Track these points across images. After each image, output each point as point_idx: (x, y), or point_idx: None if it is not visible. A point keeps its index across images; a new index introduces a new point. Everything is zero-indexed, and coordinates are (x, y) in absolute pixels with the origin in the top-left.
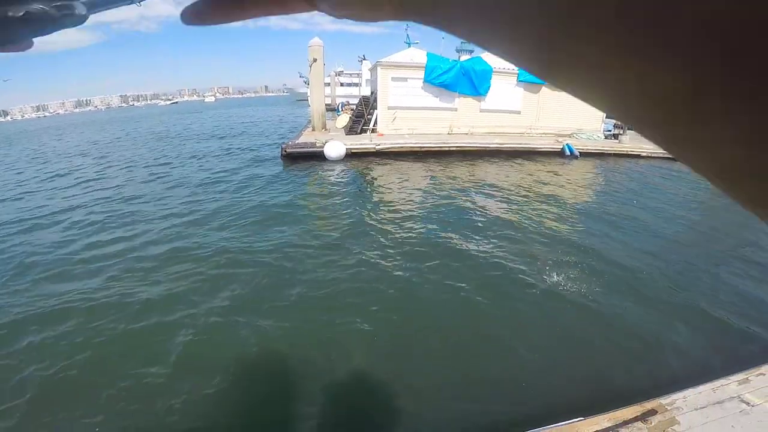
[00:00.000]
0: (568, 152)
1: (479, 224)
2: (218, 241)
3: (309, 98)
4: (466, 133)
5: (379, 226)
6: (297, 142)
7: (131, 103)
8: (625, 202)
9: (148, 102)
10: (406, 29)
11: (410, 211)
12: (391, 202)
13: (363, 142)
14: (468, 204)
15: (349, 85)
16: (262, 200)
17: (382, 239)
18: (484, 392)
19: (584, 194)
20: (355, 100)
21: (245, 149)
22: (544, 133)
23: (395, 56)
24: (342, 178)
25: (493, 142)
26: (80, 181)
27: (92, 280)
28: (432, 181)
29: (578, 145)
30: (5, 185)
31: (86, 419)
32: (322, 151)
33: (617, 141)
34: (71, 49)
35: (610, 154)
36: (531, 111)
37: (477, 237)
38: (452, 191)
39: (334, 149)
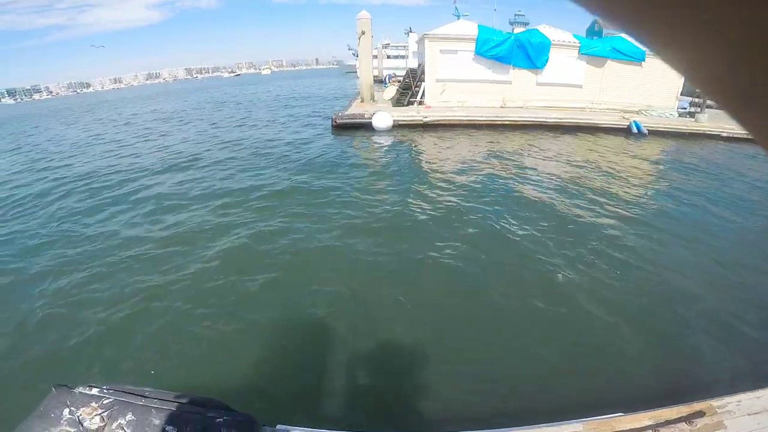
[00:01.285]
0: (635, 130)
1: (528, 200)
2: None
3: (357, 70)
4: (521, 107)
5: (423, 193)
6: (346, 113)
7: (195, 76)
8: (698, 190)
9: (210, 75)
10: (454, 1)
11: (456, 181)
12: (437, 171)
13: (410, 114)
14: (518, 178)
15: (395, 57)
16: (312, 164)
17: (424, 206)
18: (522, 375)
19: (650, 176)
20: (402, 73)
21: (301, 117)
22: (608, 109)
23: (443, 28)
24: (389, 147)
25: (551, 116)
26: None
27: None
28: (481, 154)
29: (648, 123)
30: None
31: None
32: (371, 122)
33: (693, 120)
34: (142, 26)
35: (684, 134)
36: (594, 85)
37: (523, 214)
38: (502, 164)
39: (382, 120)
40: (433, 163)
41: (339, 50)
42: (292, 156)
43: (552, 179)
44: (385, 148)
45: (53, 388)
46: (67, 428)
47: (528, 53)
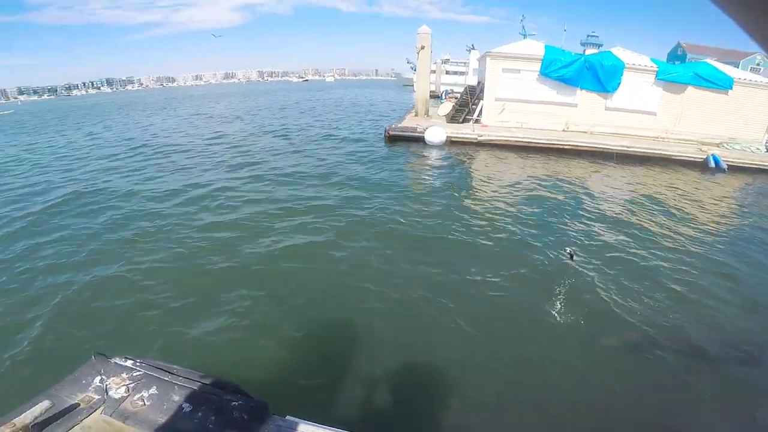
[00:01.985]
0: (712, 164)
1: (583, 232)
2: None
3: (414, 84)
4: (585, 132)
5: (469, 213)
6: (399, 125)
7: (266, 79)
8: None
9: (279, 78)
10: (521, 20)
11: (505, 204)
12: (487, 192)
13: (464, 131)
14: (574, 207)
15: (455, 73)
16: (365, 171)
17: (469, 225)
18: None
19: (727, 218)
20: (460, 89)
21: (357, 125)
22: (683, 140)
23: (507, 47)
24: (440, 162)
25: (618, 144)
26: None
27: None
28: (537, 178)
29: (729, 157)
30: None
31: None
32: (423, 136)
33: None
34: (224, 28)
35: None
36: (670, 113)
37: (579, 250)
38: (559, 191)
39: (435, 135)
40: (484, 182)
41: (398, 63)
42: (345, 163)
43: (613, 211)
44: (436, 163)
45: (93, 356)
46: (93, 395)
47: (598, 76)
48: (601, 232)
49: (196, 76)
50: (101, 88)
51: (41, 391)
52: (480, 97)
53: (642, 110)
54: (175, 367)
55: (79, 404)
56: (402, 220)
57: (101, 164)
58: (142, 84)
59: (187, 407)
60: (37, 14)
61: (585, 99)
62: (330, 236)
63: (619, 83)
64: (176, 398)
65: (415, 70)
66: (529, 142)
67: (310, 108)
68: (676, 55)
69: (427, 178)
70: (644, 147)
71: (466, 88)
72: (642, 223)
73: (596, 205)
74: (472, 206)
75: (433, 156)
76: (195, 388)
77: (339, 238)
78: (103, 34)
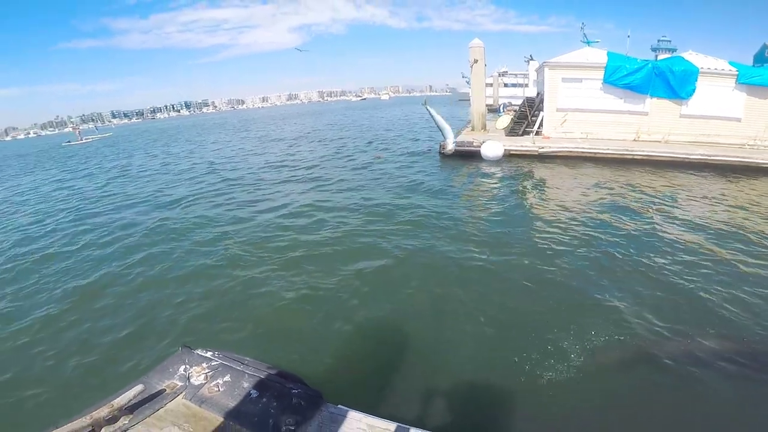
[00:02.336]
0: None
1: (661, 252)
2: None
3: (470, 98)
4: (659, 141)
5: (533, 229)
6: (455, 140)
7: (326, 99)
8: None
9: (338, 98)
10: (581, 27)
11: (571, 220)
12: (551, 206)
13: (524, 144)
14: (648, 223)
15: (513, 85)
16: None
17: (531, 244)
18: None
19: None
20: (519, 101)
21: (412, 142)
22: None
23: (566, 56)
24: (498, 177)
25: (696, 153)
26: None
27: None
28: (606, 191)
29: None
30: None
31: None
32: (479, 150)
33: None
34: (284, 49)
35: None
36: (758, 119)
37: (655, 268)
38: (631, 205)
39: (492, 149)
40: (547, 197)
41: (452, 78)
42: (399, 179)
43: (693, 228)
44: (494, 178)
45: (180, 348)
46: (177, 382)
47: (669, 82)
48: (676, 251)
49: (263, 98)
50: (180, 111)
51: (137, 378)
52: (540, 109)
53: (724, 116)
54: (246, 358)
55: (165, 390)
56: (451, 244)
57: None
58: (216, 107)
59: (254, 393)
60: (123, 38)
61: (656, 106)
62: (378, 252)
63: (694, 89)
64: (245, 385)
65: (470, 84)
66: (596, 153)
67: (368, 127)
68: (763, 58)
69: (483, 195)
70: (728, 155)
71: (524, 100)
72: (722, 241)
73: (670, 219)
74: (533, 226)
75: (491, 171)
76: (262, 377)
77: (387, 253)
78: (178, 57)
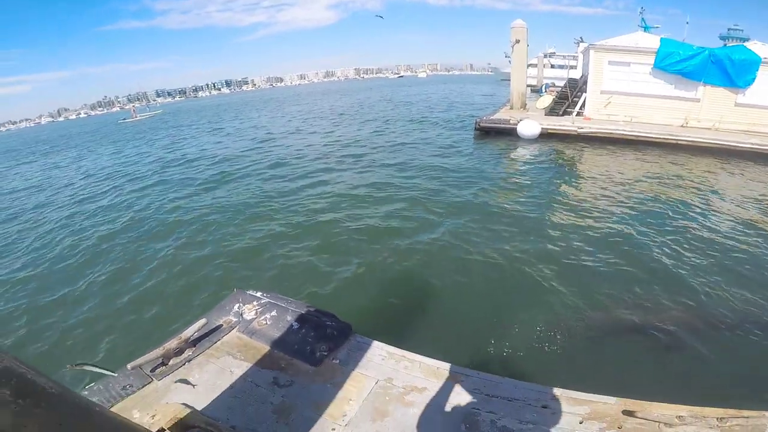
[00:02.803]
0: None
1: (706, 239)
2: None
3: (510, 78)
4: (709, 128)
5: (563, 212)
6: (491, 117)
7: (362, 76)
8: None
9: (375, 75)
10: (640, 12)
11: (607, 203)
12: (585, 188)
13: (563, 123)
14: (693, 209)
15: (561, 67)
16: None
17: (561, 226)
18: None
19: None
20: (563, 83)
21: (448, 118)
22: None
23: (614, 40)
24: (534, 155)
25: (747, 142)
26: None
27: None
28: (646, 176)
29: None
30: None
31: None
32: (515, 128)
33: None
34: (321, 26)
35: None
36: None
37: (690, 264)
38: (675, 191)
39: (528, 127)
40: (584, 178)
41: (494, 57)
42: (433, 153)
43: (743, 217)
44: (529, 156)
45: (235, 290)
46: (232, 318)
47: (726, 70)
48: (725, 241)
49: (301, 75)
50: (221, 89)
51: (202, 315)
52: (582, 90)
53: None
54: (290, 299)
55: (222, 324)
56: (483, 225)
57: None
58: (255, 84)
59: (295, 325)
60: (163, 19)
61: (710, 94)
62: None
63: (754, 78)
64: (288, 319)
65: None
66: (638, 136)
67: (405, 103)
68: None
69: (517, 172)
70: None
71: (567, 80)
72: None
73: (724, 206)
74: (566, 207)
75: (526, 149)
76: (302, 312)
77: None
78: (218, 36)
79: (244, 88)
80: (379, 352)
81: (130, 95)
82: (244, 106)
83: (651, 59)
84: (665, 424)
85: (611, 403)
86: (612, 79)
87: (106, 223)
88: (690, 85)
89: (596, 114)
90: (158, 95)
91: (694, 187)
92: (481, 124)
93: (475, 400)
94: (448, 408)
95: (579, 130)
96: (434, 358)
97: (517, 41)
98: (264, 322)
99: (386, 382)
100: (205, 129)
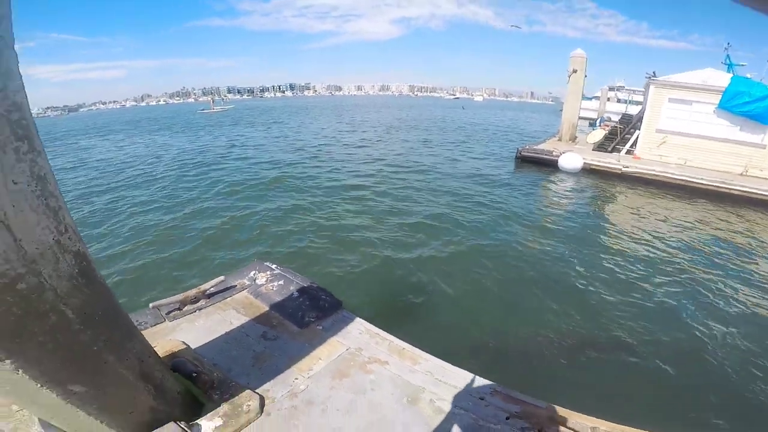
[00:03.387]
0: None
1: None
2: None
3: (563, 108)
4: None
5: (598, 253)
6: (534, 147)
7: (416, 94)
8: None
9: (428, 94)
10: (725, 48)
11: (645, 255)
12: (624, 233)
13: (607, 160)
14: (744, 274)
15: (627, 102)
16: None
17: (597, 275)
18: None
19: None
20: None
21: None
22: None
23: (678, 76)
24: (571, 189)
25: None
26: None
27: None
28: (695, 228)
29: None
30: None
31: None
32: (557, 160)
33: None
34: (383, 40)
35: None
36: None
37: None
38: (722, 250)
39: (570, 161)
40: (623, 220)
41: (557, 86)
42: (469, 175)
43: None
44: (566, 190)
45: (255, 259)
46: (246, 281)
47: None
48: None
49: (358, 86)
50: (285, 92)
51: (224, 274)
52: (636, 127)
53: None
54: (298, 274)
55: (236, 285)
56: (520, 253)
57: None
58: (316, 91)
59: (295, 294)
60: (246, 19)
61: None
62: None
63: None
64: (291, 288)
65: (584, 97)
66: (687, 182)
67: (457, 127)
68: None
69: (553, 205)
70: None
71: (621, 116)
72: None
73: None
74: (599, 250)
75: (564, 182)
76: (305, 285)
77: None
78: (290, 41)
79: (306, 93)
80: (358, 327)
81: (204, 88)
82: (307, 110)
83: (716, 99)
84: None
85: (541, 408)
86: (670, 117)
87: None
88: (758, 128)
89: (647, 153)
90: (229, 91)
91: (748, 244)
92: (523, 153)
93: (424, 380)
94: (399, 381)
95: (624, 169)
96: (404, 341)
97: (575, 71)
98: (270, 288)
99: (355, 350)
100: (280, 126)
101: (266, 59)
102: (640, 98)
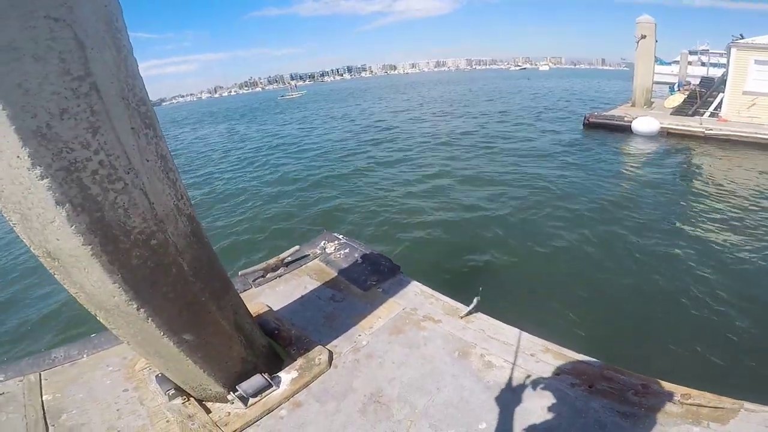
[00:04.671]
0: None
1: None
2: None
3: (634, 73)
4: None
5: (691, 224)
6: (603, 113)
7: (474, 67)
8: None
9: (488, 66)
10: None
11: (739, 219)
12: (714, 198)
13: (688, 123)
14: None
15: (714, 65)
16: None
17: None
18: None
19: None
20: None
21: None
22: None
23: (763, 38)
24: (650, 154)
25: None
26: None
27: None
28: None
29: None
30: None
31: None
32: (629, 125)
33: None
34: (434, 16)
35: None
36: None
37: None
38: None
39: (645, 124)
40: (708, 182)
41: (630, 52)
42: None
43: None
44: (646, 152)
45: (324, 230)
46: (317, 250)
47: None
48: None
49: (412, 64)
50: (343, 75)
51: (299, 244)
52: (719, 90)
53: None
54: (361, 243)
55: (309, 254)
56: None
57: None
58: (372, 71)
59: (359, 261)
60: (299, 6)
61: None
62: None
63: None
64: (356, 256)
65: (658, 61)
66: None
67: (524, 96)
68: None
69: (633, 170)
70: None
71: (701, 79)
72: None
73: None
74: (691, 218)
75: (641, 147)
76: (367, 253)
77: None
78: (343, 24)
79: (363, 74)
80: (414, 289)
81: (269, 77)
82: (370, 91)
83: None
84: (631, 391)
85: (593, 365)
86: (758, 79)
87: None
88: None
89: (735, 116)
90: (292, 78)
91: None
92: (591, 120)
93: (475, 337)
94: (450, 338)
95: (706, 132)
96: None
97: (643, 36)
98: (338, 256)
99: (411, 310)
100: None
101: (323, 44)
102: (724, 61)
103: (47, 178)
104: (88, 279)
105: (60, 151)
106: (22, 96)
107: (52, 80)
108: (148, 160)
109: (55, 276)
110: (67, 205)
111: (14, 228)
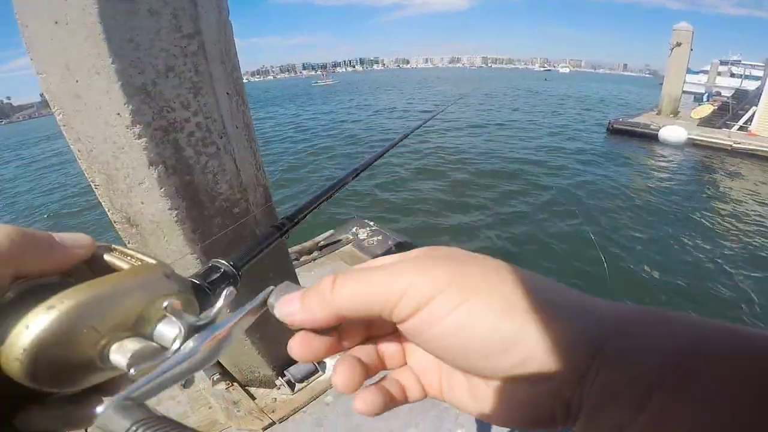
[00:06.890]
0: None
1: None
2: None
3: (664, 81)
4: None
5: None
6: (628, 120)
7: (490, 65)
8: None
9: (504, 66)
10: None
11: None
12: (738, 214)
13: (715, 135)
14: None
15: (745, 77)
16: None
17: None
18: None
19: None
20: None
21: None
22: None
23: None
24: (674, 164)
25: None
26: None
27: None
28: None
29: None
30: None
31: None
32: (655, 133)
33: None
34: (452, 11)
35: None
36: None
37: None
38: None
39: (673, 133)
40: (733, 200)
41: (656, 60)
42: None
43: None
44: (670, 162)
45: (355, 217)
46: (350, 236)
47: None
48: None
49: (426, 59)
50: (355, 67)
51: (333, 228)
52: (752, 103)
53: None
54: (390, 230)
55: (343, 239)
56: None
57: None
58: (384, 65)
59: (393, 249)
60: None
61: None
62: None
63: None
64: (389, 243)
65: (689, 71)
66: None
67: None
68: None
69: (657, 175)
70: None
71: (735, 91)
72: None
73: None
74: (709, 229)
75: (666, 155)
76: (399, 240)
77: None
78: (357, 15)
79: (375, 67)
80: None
81: (282, 66)
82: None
83: None
84: None
85: None
86: None
87: None
88: None
89: (766, 131)
90: (304, 68)
91: None
92: (615, 126)
93: None
94: None
95: (734, 145)
96: None
97: (678, 44)
98: (372, 243)
99: None
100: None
101: (337, 35)
102: (759, 73)
103: (145, 137)
104: (167, 249)
105: (161, 110)
106: (133, 51)
107: (163, 36)
108: (237, 127)
109: (127, 246)
110: (160, 166)
111: (95, 190)
